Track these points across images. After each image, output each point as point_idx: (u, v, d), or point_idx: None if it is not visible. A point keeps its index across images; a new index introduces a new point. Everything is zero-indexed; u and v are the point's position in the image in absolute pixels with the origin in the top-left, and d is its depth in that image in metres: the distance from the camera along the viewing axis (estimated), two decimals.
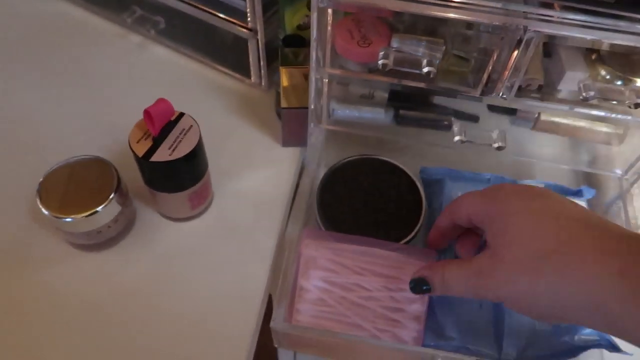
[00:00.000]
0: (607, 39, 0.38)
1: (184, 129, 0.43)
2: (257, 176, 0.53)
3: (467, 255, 0.42)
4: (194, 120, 0.44)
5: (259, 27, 0.53)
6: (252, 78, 0.59)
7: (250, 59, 0.56)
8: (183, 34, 0.63)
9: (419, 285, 0.39)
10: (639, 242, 0.31)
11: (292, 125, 0.53)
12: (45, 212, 0.42)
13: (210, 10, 0.55)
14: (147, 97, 0.46)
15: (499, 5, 0.38)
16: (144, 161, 0.41)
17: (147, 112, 0.40)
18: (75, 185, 0.43)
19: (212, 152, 0.46)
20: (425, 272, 0.39)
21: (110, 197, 0.43)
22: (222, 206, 0.50)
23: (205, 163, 0.46)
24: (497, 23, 0.38)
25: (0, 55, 0.62)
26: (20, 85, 0.59)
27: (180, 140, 0.42)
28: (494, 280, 0.34)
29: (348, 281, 0.42)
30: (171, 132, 0.42)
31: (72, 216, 0.42)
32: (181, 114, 0.44)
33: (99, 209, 0.42)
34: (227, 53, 0.61)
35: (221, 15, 0.54)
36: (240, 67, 0.60)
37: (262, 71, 0.57)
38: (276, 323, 0.39)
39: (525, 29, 0.38)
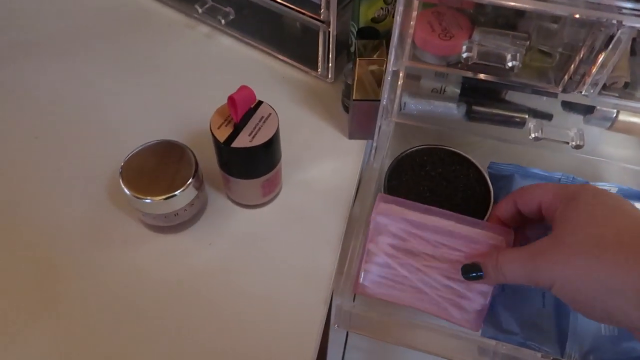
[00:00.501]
0: None
1: (262, 117, 0.43)
2: (324, 167, 0.53)
3: None
4: (272, 108, 0.44)
5: (332, 19, 0.53)
6: (319, 70, 0.59)
7: (320, 51, 0.57)
8: (251, 24, 0.63)
9: (470, 271, 0.39)
10: None
11: (360, 117, 0.53)
12: (128, 192, 0.43)
13: (283, 2, 0.55)
14: (217, 86, 0.48)
15: None
16: (225, 147, 0.42)
17: (231, 99, 0.41)
18: (154, 168, 0.45)
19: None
20: (479, 258, 0.39)
21: (189, 182, 0.44)
22: (290, 195, 0.51)
23: (280, 152, 0.46)
24: (590, 18, 0.37)
25: (78, 45, 0.64)
26: (97, 73, 0.61)
27: (260, 128, 0.43)
28: (551, 261, 0.34)
29: (416, 249, 0.42)
30: (251, 119, 0.43)
31: (151, 197, 0.43)
32: (260, 102, 0.44)
33: (177, 192, 0.43)
34: (293, 44, 0.62)
35: (293, 7, 0.55)
36: (306, 58, 0.60)
37: (330, 63, 0.58)
38: (342, 301, 0.41)
39: (620, 25, 0.37)
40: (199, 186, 0.46)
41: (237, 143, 0.42)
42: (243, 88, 0.42)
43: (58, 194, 0.50)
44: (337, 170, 0.53)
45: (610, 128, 0.49)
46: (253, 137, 0.42)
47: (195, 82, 0.60)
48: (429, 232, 0.42)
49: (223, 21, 0.62)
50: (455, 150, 0.51)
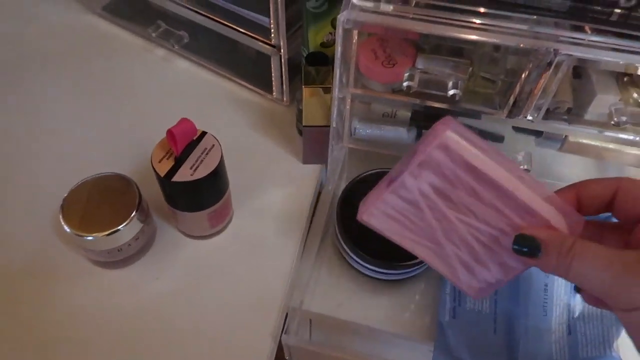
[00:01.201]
0: None
1: (206, 148, 0.43)
2: (277, 193, 0.53)
3: None
4: (216, 139, 0.43)
5: (283, 44, 0.52)
6: (274, 93, 0.59)
7: (273, 75, 0.56)
8: (207, 48, 0.63)
9: (525, 244, 0.31)
10: None
11: (313, 143, 0.52)
12: (68, 229, 0.42)
13: (234, 27, 0.55)
14: (171, 112, 0.47)
15: (528, 28, 0.37)
16: (165, 181, 0.41)
17: (170, 133, 0.40)
18: (97, 203, 0.44)
19: (232, 168, 0.46)
20: (543, 233, 0.30)
21: (132, 215, 0.43)
22: (241, 224, 0.50)
23: (226, 182, 0.46)
24: (527, 46, 0.37)
25: (28, 70, 0.63)
26: (46, 100, 0.60)
27: (202, 160, 0.42)
28: None
29: (459, 199, 0.33)
30: (193, 152, 0.42)
31: (94, 234, 0.42)
32: (203, 133, 0.44)
33: (120, 227, 0.42)
34: (249, 68, 0.62)
35: (245, 32, 0.54)
36: (262, 82, 0.60)
37: (285, 87, 0.57)
38: (288, 337, 0.39)
39: (556, 52, 0.37)
40: (144, 219, 0.45)
41: (178, 177, 0.41)
42: (183, 121, 0.41)
43: (0, 230, 0.49)
44: (290, 196, 0.52)
45: (561, 149, 0.49)
46: (195, 170, 0.41)
47: (148, 108, 0.59)
48: (486, 187, 0.32)
49: (177, 45, 0.61)
50: None
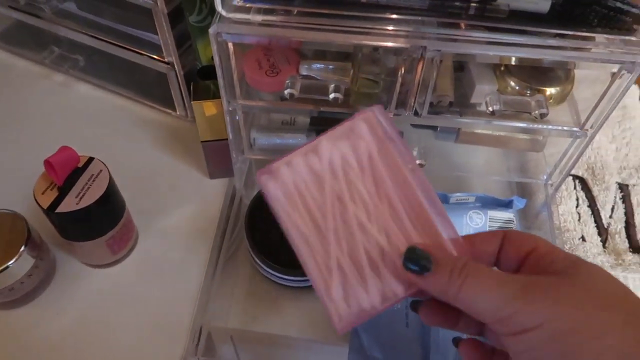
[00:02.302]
0: (509, 54, 0.39)
1: (93, 175, 0.41)
2: (185, 211, 0.52)
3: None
4: (104, 164, 0.42)
5: (176, 60, 0.52)
6: (177, 110, 0.58)
7: (173, 92, 0.55)
8: (105, 70, 0.61)
9: (416, 258, 0.29)
10: None
11: (215, 157, 0.52)
12: None
13: (127, 47, 0.54)
14: (69, 139, 0.45)
15: (398, 28, 0.38)
16: (50, 212, 0.39)
17: (48, 163, 0.39)
18: None
19: (136, 189, 0.45)
20: (436, 249, 0.29)
21: (21, 251, 0.41)
22: (147, 246, 0.49)
23: (122, 206, 0.44)
24: (397, 45, 0.38)
25: None
26: None
27: (89, 187, 0.41)
28: (555, 297, 0.25)
29: (363, 188, 0.31)
30: (79, 179, 0.41)
31: None
32: (90, 159, 0.42)
33: (9, 264, 0.40)
34: (151, 87, 0.60)
35: (138, 51, 0.53)
36: (165, 100, 0.59)
37: (186, 103, 0.56)
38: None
39: (425, 49, 0.38)
40: (37, 254, 0.43)
41: (62, 207, 0.39)
42: (63, 149, 0.40)
43: None
44: (199, 212, 0.52)
45: (457, 141, 0.51)
46: (81, 198, 0.40)
47: (46, 137, 0.57)
48: (394, 177, 0.31)
49: (73, 70, 0.59)
50: None
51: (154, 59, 0.53)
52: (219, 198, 0.53)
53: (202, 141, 0.49)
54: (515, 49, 0.38)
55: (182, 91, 0.55)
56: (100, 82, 0.62)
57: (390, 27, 0.38)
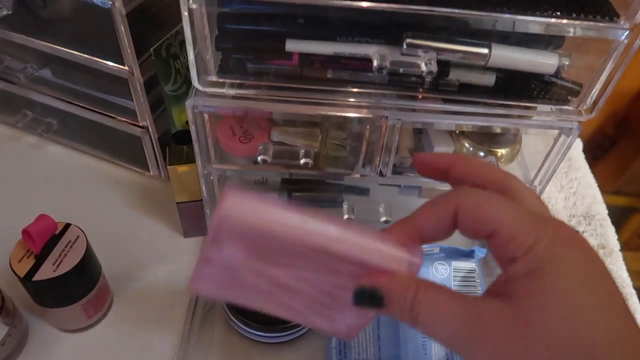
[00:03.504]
0: (462, 122, 0.43)
1: (70, 241, 0.42)
2: (159, 271, 0.53)
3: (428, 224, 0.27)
4: (81, 230, 0.43)
5: (150, 125, 0.54)
6: (151, 171, 0.60)
7: (147, 154, 0.57)
8: (78, 132, 0.63)
9: (366, 298, 0.27)
10: None
11: (190, 217, 0.53)
12: None
13: (102, 112, 0.55)
14: (41, 203, 0.46)
15: (361, 100, 0.41)
16: (27, 281, 0.40)
17: (25, 232, 0.40)
18: None
19: (110, 251, 0.45)
20: (383, 281, 0.26)
21: None
22: (123, 308, 0.49)
23: (98, 270, 0.45)
24: (361, 115, 0.41)
25: None
26: None
27: (66, 254, 0.41)
28: (501, 351, 0.23)
29: (277, 258, 0.28)
30: (56, 246, 0.42)
31: None
32: (67, 225, 0.43)
33: None
34: (124, 147, 0.62)
35: (113, 115, 0.55)
36: (138, 160, 0.60)
37: (160, 164, 0.58)
38: None
39: (386, 118, 0.41)
40: (11, 321, 0.43)
41: (39, 275, 0.40)
42: (41, 217, 0.41)
43: None
44: (173, 272, 0.53)
45: (420, 196, 0.54)
46: (58, 265, 0.41)
47: (16, 200, 0.57)
48: (297, 250, 0.27)
49: (45, 133, 0.60)
50: None
51: (129, 123, 0.55)
52: (193, 256, 0.54)
53: (177, 202, 0.51)
54: (467, 118, 0.42)
55: (157, 153, 0.57)
56: (73, 143, 0.63)
57: (354, 100, 0.41)
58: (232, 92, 0.41)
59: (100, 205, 0.58)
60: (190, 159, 0.50)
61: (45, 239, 0.41)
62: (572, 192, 0.63)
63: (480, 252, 0.54)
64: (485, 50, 0.38)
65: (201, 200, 0.51)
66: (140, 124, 0.54)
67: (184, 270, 0.53)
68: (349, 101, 0.41)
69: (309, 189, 0.53)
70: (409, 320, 0.26)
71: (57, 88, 0.57)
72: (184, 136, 0.53)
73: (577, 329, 0.23)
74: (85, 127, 0.61)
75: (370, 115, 0.41)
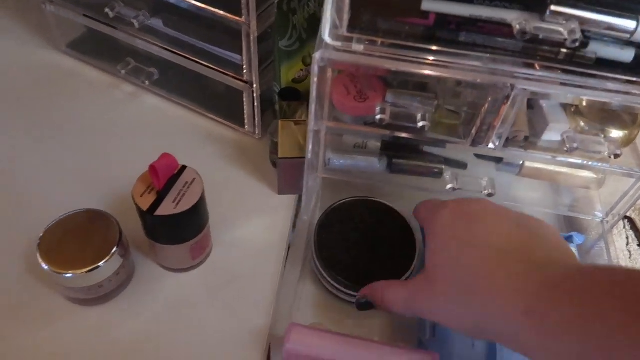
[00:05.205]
0: (584, 96, 0.42)
1: (187, 182, 0.44)
2: (254, 224, 0.54)
3: None
4: (197, 173, 0.44)
5: (255, 80, 0.54)
6: (246, 127, 0.60)
7: (245, 110, 0.58)
8: (176, 83, 0.64)
9: (363, 304, 0.42)
10: (548, 273, 0.32)
11: (288, 174, 0.54)
12: (46, 267, 0.42)
13: (207, 64, 0.56)
14: (142, 148, 0.47)
15: (484, 65, 0.41)
16: (148, 215, 0.41)
17: (152, 167, 0.41)
18: (76, 239, 0.43)
19: (208, 201, 0.47)
20: (367, 291, 0.42)
21: (113, 251, 0.43)
22: (220, 255, 0.51)
23: (207, 214, 0.46)
24: (486, 82, 0.41)
25: None
26: (12, 138, 0.59)
27: (184, 194, 0.43)
28: (430, 305, 0.37)
29: None
30: (174, 186, 0.43)
31: (73, 271, 0.42)
32: (183, 167, 0.44)
33: (101, 263, 0.42)
34: (219, 102, 0.63)
35: (217, 69, 0.56)
36: (233, 116, 0.61)
37: (257, 121, 0.59)
38: None
39: (513, 87, 0.41)
40: (124, 254, 0.45)
41: (161, 211, 0.41)
42: (164, 156, 0.42)
43: None
44: (268, 226, 0.54)
45: (519, 174, 0.53)
46: (177, 203, 0.42)
47: (120, 144, 0.60)
48: None
49: (147, 82, 0.62)
50: (382, 201, 0.53)
51: (233, 77, 0.56)
52: (287, 213, 0.55)
53: (280, 157, 0.52)
54: (592, 92, 0.41)
55: (256, 110, 0.58)
56: (170, 95, 0.64)
57: (481, 65, 0.41)
58: (360, 47, 0.41)
59: (193, 157, 0.58)
60: (295, 115, 0.50)
61: (168, 176, 0.42)
62: None
63: (579, 239, 0.53)
64: (632, 24, 0.37)
65: (301, 157, 0.52)
66: (245, 79, 0.55)
67: (278, 225, 0.54)
68: (477, 66, 0.41)
69: (409, 157, 0.53)
70: (387, 310, 0.40)
71: (164, 38, 0.58)
72: (289, 93, 0.53)
73: (453, 277, 0.36)
74: (184, 80, 0.62)
75: (497, 83, 0.41)
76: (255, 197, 0.56)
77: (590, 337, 0.28)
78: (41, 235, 0.43)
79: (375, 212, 0.52)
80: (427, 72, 0.41)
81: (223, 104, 0.62)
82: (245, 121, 0.60)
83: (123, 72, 0.63)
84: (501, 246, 0.35)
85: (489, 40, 0.40)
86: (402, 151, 0.54)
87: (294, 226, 0.54)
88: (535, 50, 0.40)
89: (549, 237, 0.37)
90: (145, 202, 0.42)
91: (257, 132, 0.61)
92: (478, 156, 0.55)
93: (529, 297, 0.32)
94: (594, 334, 0.28)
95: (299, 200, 0.56)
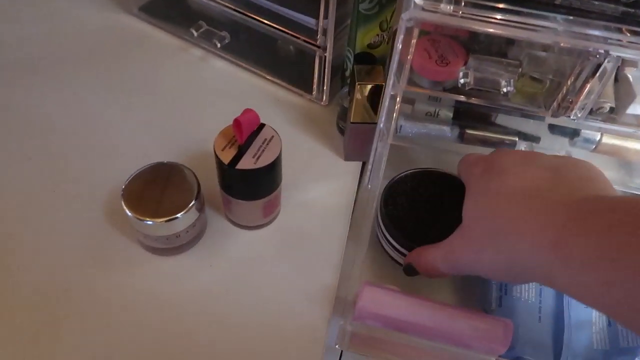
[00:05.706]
0: None
1: (265, 139, 0.44)
2: (320, 188, 0.54)
3: None
4: (275, 131, 0.45)
5: (329, 45, 0.54)
6: (314, 93, 0.61)
7: (315, 75, 0.58)
8: (244, 48, 0.65)
9: (409, 269, 0.44)
10: (577, 207, 0.33)
11: (357, 139, 0.54)
12: (130, 214, 0.43)
13: (281, 28, 0.57)
14: (211, 109, 0.48)
15: (578, 29, 0.39)
16: (230, 168, 0.42)
17: (236, 121, 0.42)
18: (156, 191, 0.45)
19: None
20: (409, 258, 0.44)
21: (191, 204, 0.44)
22: (288, 216, 0.52)
23: (281, 174, 0.47)
24: (578, 47, 0.40)
25: (71, 67, 0.64)
26: (91, 95, 0.61)
27: (263, 150, 0.43)
28: (465, 257, 0.39)
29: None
30: (254, 142, 0.44)
31: (154, 220, 0.43)
32: (262, 125, 0.45)
33: (179, 215, 0.43)
34: (287, 67, 0.63)
35: (291, 32, 0.56)
36: (300, 81, 0.62)
37: (325, 87, 0.59)
38: (345, 322, 0.41)
39: (607, 54, 0.39)
40: (200, 208, 0.46)
41: (241, 165, 0.42)
42: (248, 111, 0.43)
43: (54, 217, 0.50)
44: (333, 191, 0.54)
45: (594, 150, 0.52)
46: (257, 159, 0.43)
47: (189, 105, 0.61)
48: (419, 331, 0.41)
49: (219, 44, 0.63)
50: (448, 172, 0.52)
51: (306, 41, 0.56)
52: (353, 179, 0.55)
53: (352, 122, 0.52)
54: None
55: (325, 76, 0.58)
56: (238, 59, 0.65)
57: (577, 29, 0.39)
58: (450, 8, 0.40)
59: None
60: (370, 80, 0.50)
61: (249, 131, 0.43)
62: None
63: None
64: None
65: (371, 123, 0.52)
66: (318, 43, 0.55)
67: (345, 191, 0.54)
68: (569, 31, 0.39)
69: (481, 128, 0.52)
70: (430, 273, 0.42)
71: (238, 0, 0.59)
72: (364, 58, 0.53)
73: (486, 225, 0.37)
74: (254, 44, 0.63)
75: (590, 49, 0.39)
76: (321, 163, 0.56)
77: (619, 267, 0.28)
78: (124, 185, 0.45)
79: (441, 183, 0.51)
80: (521, 35, 0.40)
81: (291, 70, 0.63)
82: (314, 87, 0.60)
83: (195, 34, 0.63)
84: (527, 190, 0.36)
85: (586, 3, 0.39)
86: (473, 121, 0.53)
87: (360, 190, 0.54)
88: (636, 16, 0.38)
89: (578, 172, 0.38)
90: (227, 156, 0.42)
91: (324, 99, 0.61)
92: (551, 130, 0.53)
93: (556, 231, 0.32)
94: (622, 264, 0.28)
95: (362, 168, 0.57)
